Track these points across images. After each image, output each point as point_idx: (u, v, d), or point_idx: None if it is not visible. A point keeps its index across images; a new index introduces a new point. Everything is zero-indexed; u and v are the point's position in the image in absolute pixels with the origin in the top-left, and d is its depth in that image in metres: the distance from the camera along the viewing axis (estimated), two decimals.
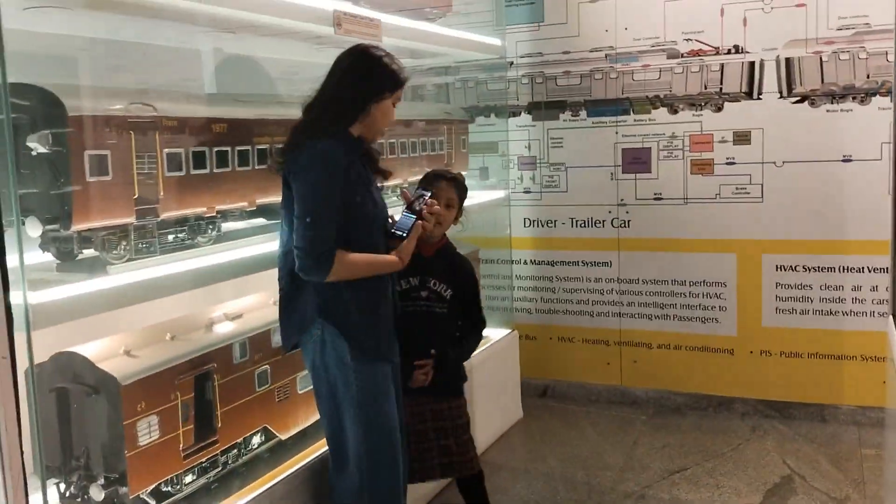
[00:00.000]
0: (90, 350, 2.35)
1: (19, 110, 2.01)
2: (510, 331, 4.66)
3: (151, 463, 2.42)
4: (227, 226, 2.74)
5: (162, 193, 2.35)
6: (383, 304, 2.66)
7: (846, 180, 4.24)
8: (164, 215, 2.38)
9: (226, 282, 2.65)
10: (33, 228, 2.06)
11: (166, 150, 2.35)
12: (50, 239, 2.14)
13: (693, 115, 4.55)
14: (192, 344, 2.62)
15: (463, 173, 3.16)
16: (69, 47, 2.74)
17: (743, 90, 4.42)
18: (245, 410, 2.80)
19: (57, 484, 2.37)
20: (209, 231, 2.59)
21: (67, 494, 2.36)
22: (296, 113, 2.59)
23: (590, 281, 4.93)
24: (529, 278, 5.05)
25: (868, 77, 4.16)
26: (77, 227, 2.11)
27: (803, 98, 4.30)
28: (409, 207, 2.73)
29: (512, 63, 4.92)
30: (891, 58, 4.01)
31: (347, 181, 2.47)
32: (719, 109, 4.49)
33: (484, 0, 4.82)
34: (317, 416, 3.12)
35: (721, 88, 4.46)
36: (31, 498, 1.80)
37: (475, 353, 3.35)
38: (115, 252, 2.22)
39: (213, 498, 2.66)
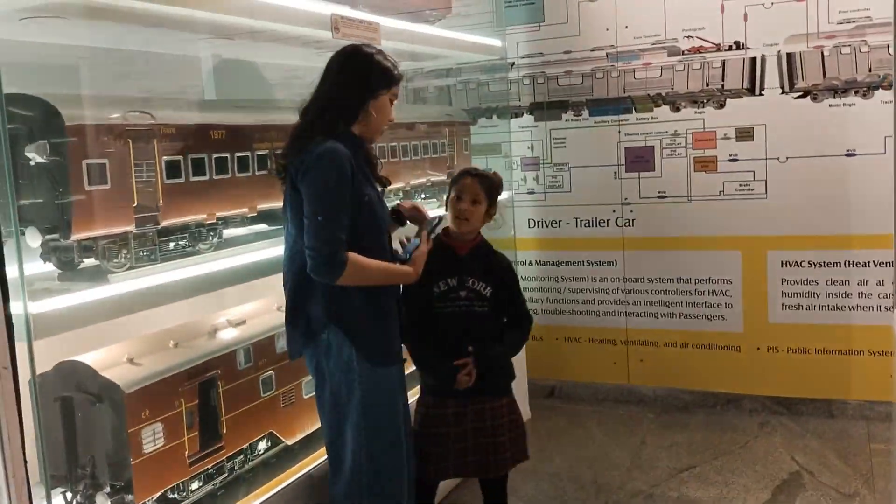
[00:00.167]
0: (94, 358, 2.35)
1: (17, 120, 2.01)
2: None
3: (157, 470, 2.42)
4: (229, 232, 2.74)
5: (161, 201, 2.35)
6: (394, 309, 2.66)
7: (850, 175, 4.23)
8: (165, 223, 2.38)
9: (228, 288, 2.65)
10: (33, 238, 2.07)
11: (165, 158, 2.35)
12: (50, 249, 2.15)
13: (695, 112, 4.54)
14: (196, 351, 2.62)
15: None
16: (66, 56, 2.75)
17: (745, 86, 4.40)
18: (250, 416, 2.80)
19: (63, 493, 2.37)
20: (210, 238, 2.59)
21: (74, 503, 2.37)
22: (296, 118, 2.59)
23: (595, 280, 4.92)
24: (535, 279, 5.05)
25: (870, 71, 4.14)
26: (77, 236, 2.11)
27: (805, 93, 4.28)
28: (418, 233, 2.78)
29: (513, 64, 4.92)
30: (892, 51, 3.99)
31: (355, 180, 2.47)
32: (721, 106, 4.47)
33: (483, 1, 4.81)
34: None
35: (723, 85, 4.45)
36: None
37: None
38: (115, 260, 2.23)
39: None
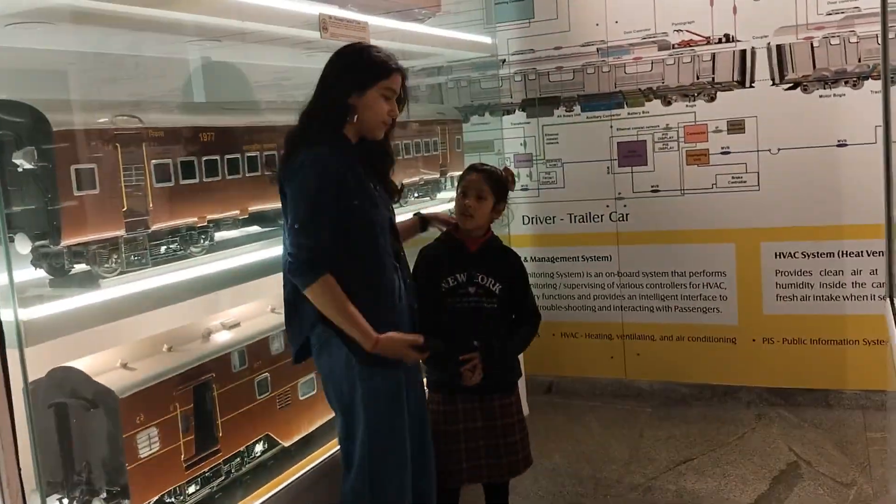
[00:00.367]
0: (87, 364, 2.34)
1: (4, 127, 2.01)
2: None
3: (153, 475, 2.42)
4: (220, 235, 2.73)
5: (151, 205, 2.34)
6: (387, 314, 2.54)
7: (842, 165, 4.23)
8: (155, 227, 2.37)
9: (222, 291, 2.65)
10: (23, 245, 2.06)
11: (154, 162, 2.35)
12: (41, 255, 2.14)
13: (686, 105, 4.54)
14: (190, 354, 2.61)
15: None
16: (54, 62, 2.75)
17: (735, 79, 4.41)
18: (246, 419, 2.80)
19: (60, 500, 2.36)
20: (201, 241, 2.59)
21: None
22: (286, 119, 2.58)
23: (590, 276, 4.92)
24: (530, 275, 4.97)
25: (859, 61, 4.14)
26: (67, 241, 2.11)
27: (796, 84, 4.29)
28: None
29: (504, 61, 4.92)
30: (881, 41, 3.99)
31: (343, 187, 2.41)
32: (712, 99, 4.48)
33: None
34: (319, 422, 3.14)
35: (713, 78, 4.45)
36: None
37: None
38: (106, 265, 2.22)
39: None
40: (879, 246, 4.11)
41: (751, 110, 4.39)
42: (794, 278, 4.43)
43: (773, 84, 4.33)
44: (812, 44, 4.21)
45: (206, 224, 2.59)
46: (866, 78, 4.14)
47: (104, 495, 2.34)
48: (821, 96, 4.24)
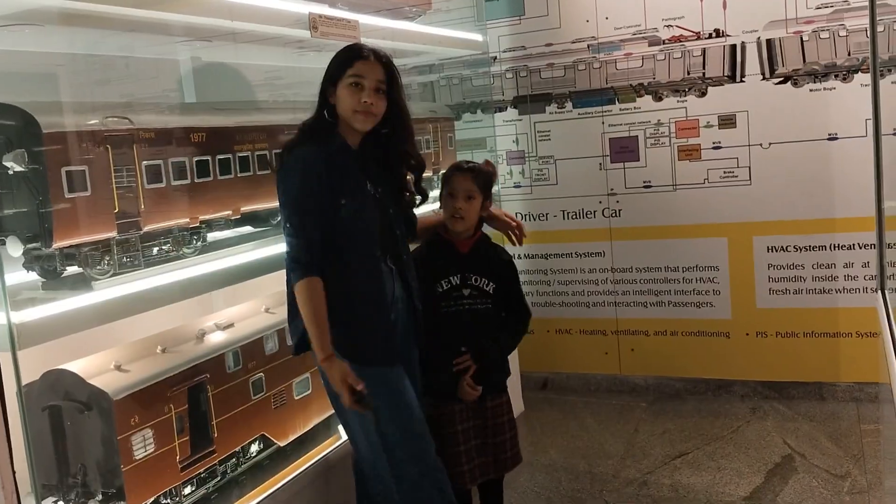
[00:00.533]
0: (81, 366, 2.34)
1: None
2: None
3: (148, 476, 2.42)
4: (213, 235, 2.72)
5: (143, 206, 2.34)
6: (376, 312, 2.53)
7: (833, 158, 4.25)
8: (147, 228, 2.36)
9: (215, 292, 2.65)
10: (14, 248, 2.05)
11: (145, 163, 2.34)
12: (33, 258, 2.14)
13: (677, 101, 4.55)
14: (184, 356, 2.60)
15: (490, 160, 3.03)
16: (43, 64, 2.74)
17: (725, 74, 4.42)
18: (241, 419, 2.79)
19: (55, 502, 2.36)
20: (194, 242, 2.58)
21: None
22: (277, 118, 2.58)
23: (584, 272, 4.93)
24: (524, 272, 5.02)
25: (849, 55, 4.16)
26: (58, 244, 2.10)
27: (786, 78, 4.30)
28: None
29: (495, 58, 4.92)
30: (870, 34, 4.00)
31: (328, 186, 2.41)
32: (703, 94, 4.48)
33: None
34: (315, 421, 3.14)
35: (704, 73, 4.46)
36: None
37: None
38: (98, 267, 2.22)
39: None
40: (871, 239, 4.13)
41: (741, 105, 4.40)
42: (786, 272, 4.44)
43: (764, 78, 4.34)
44: (802, 38, 4.23)
45: (198, 225, 2.58)
46: (856, 71, 4.15)
47: (100, 497, 2.34)
48: (811, 90, 4.25)
